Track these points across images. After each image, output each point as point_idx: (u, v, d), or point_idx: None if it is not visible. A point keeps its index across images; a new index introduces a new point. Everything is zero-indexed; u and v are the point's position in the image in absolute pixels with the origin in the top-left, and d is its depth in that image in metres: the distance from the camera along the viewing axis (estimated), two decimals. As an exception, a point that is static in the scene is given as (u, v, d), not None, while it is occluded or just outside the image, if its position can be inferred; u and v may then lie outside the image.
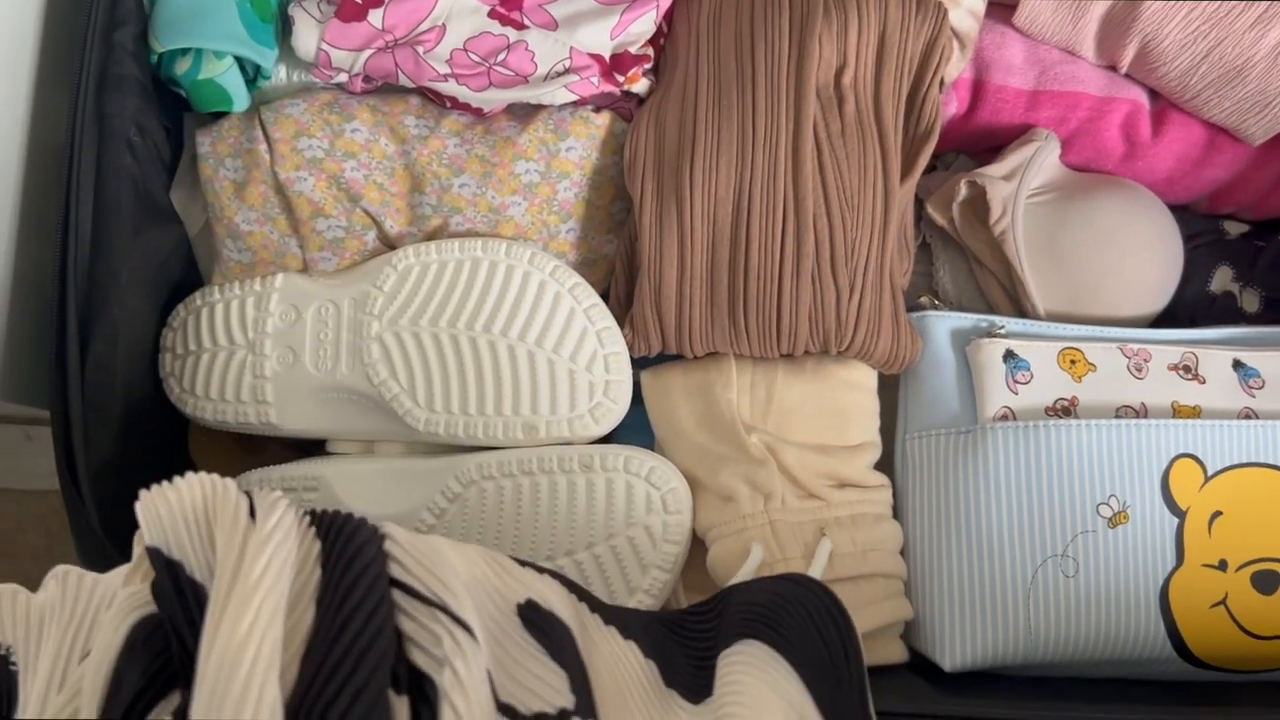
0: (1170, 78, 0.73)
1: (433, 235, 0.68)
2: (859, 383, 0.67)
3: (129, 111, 0.63)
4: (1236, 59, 0.71)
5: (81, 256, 0.62)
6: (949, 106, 0.76)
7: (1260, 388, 0.68)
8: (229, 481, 0.38)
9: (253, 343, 0.67)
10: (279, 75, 0.69)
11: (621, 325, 0.66)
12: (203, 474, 0.38)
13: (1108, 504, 0.64)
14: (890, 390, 0.70)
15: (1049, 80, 0.75)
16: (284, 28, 0.67)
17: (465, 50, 0.66)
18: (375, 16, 0.64)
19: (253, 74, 0.67)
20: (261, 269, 0.69)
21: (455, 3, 0.66)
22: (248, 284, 0.68)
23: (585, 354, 0.64)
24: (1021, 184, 0.72)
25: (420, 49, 0.65)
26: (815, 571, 0.60)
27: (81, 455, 0.59)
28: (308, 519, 0.39)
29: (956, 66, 0.73)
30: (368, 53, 0.65)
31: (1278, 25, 0.69)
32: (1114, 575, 0.63)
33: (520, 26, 0.66)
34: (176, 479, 0.37)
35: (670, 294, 0.64)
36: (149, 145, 0.66)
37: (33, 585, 0.44)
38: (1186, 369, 0.68)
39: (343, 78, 0.67)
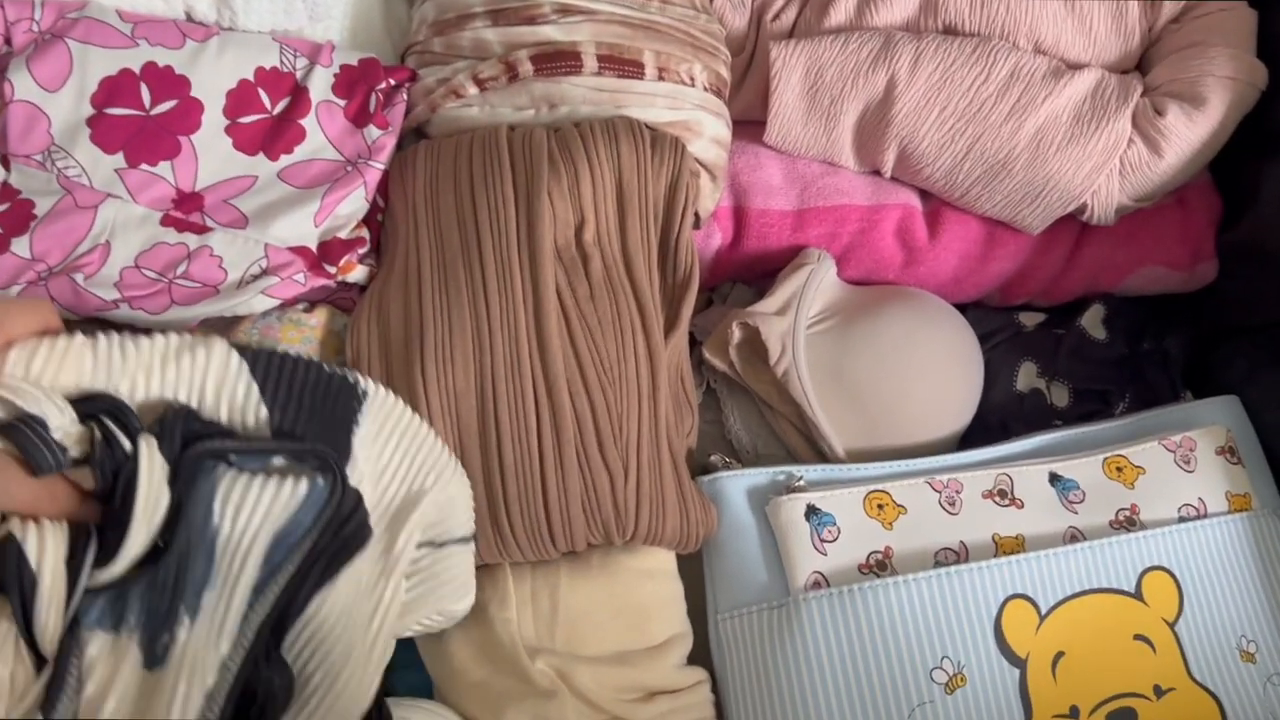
0: (936, 178, 0.69)
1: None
2: (654, 570, 0.59)
3: None
4: (998, 153, 0.66)
5: None
6: (713, 239, 0.70)
7: (1081, 501, 0.62)
8: None
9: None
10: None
11: (373, 550, 0.57)
12: None
13: (941, 667, 0.57)
14: (698, 561, 0.63)
15: (812, 196, 0.70)
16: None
17: (137, 267, 0.56)
18: (20, 246, 0.55)
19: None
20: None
21: (118, 214, 0.57)
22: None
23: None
24: (798, 315, 0.66)
25: (79, 276, 0.55)
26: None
27: None
28: None
29: (711, 198, 0.67)
30: (16, 289, 0.55)
31: (1032, 115, 0.65)
32: (961, 749, 0.56)
33: (201, 230, 0.58)
34: None
35: (422, 507, 0.55)
36: None
37: None
38: (1002, 494, 0.62)
39: (-4, 317, 0.56)
